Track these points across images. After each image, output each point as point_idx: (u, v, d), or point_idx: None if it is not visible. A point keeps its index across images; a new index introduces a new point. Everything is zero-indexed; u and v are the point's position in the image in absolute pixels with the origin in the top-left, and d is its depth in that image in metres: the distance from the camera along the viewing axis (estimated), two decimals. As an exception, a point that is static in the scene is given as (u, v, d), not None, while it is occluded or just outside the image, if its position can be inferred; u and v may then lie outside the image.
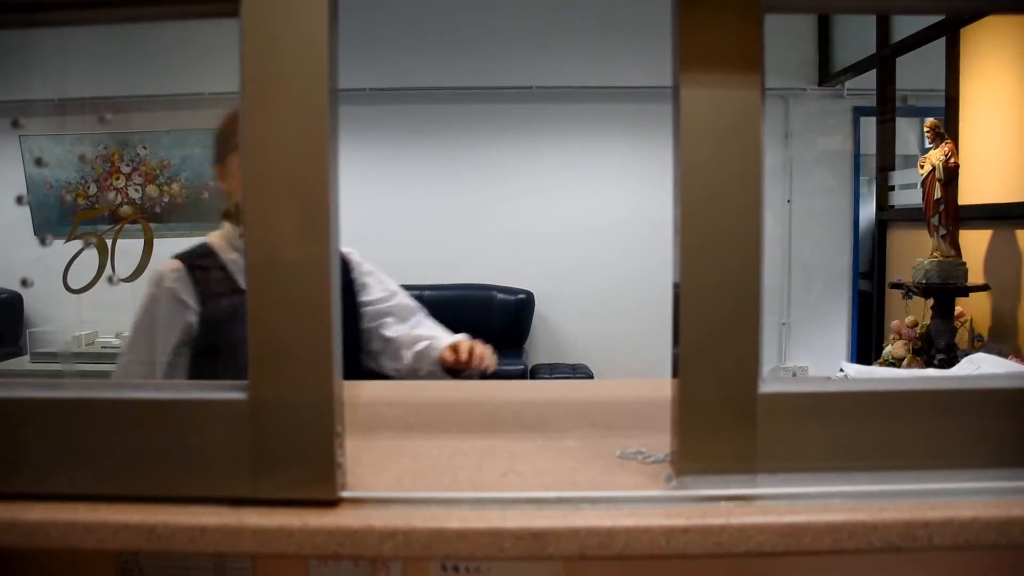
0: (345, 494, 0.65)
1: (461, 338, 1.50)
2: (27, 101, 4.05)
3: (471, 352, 1.44)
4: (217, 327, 1.36)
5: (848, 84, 4.65)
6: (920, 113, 4.35)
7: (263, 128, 0.62)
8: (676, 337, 0.66)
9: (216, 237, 1.47)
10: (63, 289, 0.95)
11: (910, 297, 2.79)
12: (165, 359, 1.36)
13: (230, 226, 1.47)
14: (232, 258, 1.43)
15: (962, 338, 2.77)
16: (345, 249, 1.56)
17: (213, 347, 1.36)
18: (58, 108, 4.49)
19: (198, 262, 1.41)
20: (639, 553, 0.61)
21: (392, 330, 1.55)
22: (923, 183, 2.73)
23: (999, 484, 0.65)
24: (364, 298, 1.56)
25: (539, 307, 4.70)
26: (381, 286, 1.58)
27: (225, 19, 0.63)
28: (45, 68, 3.90)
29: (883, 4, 0.99)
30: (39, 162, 4.68)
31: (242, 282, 1.37)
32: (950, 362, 2.48)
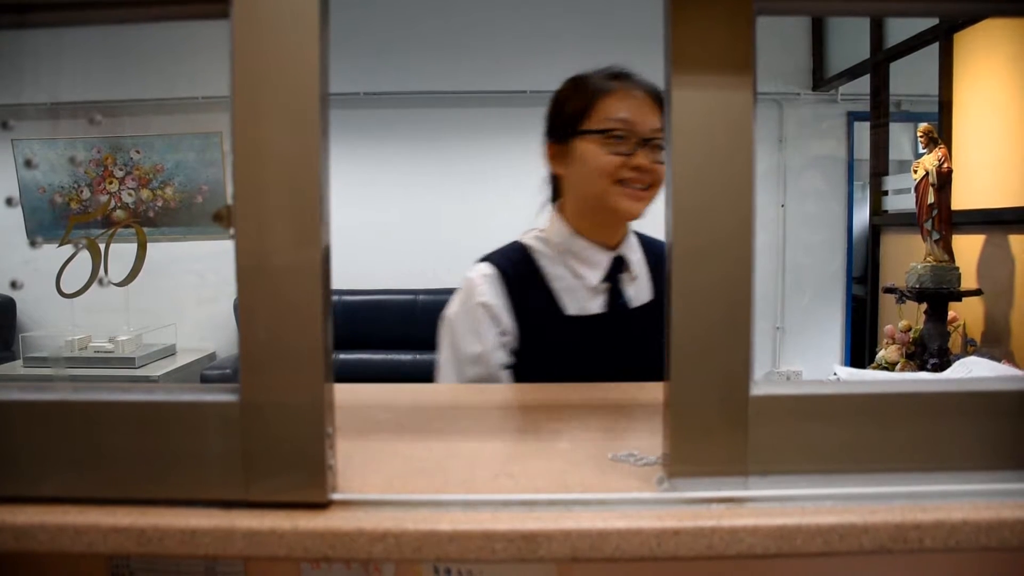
0: (336, 496, 0.65)
1: None
2: (19, 105, 4.04)
3: None
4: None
5: (842, 89, 4.68)
6: (914, 118, 4.38)
7: (254, 131, 0.62)
8: (668, 340, 0.66)
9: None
10: (56, 293, 0.95)
11: (903, 302, 2.80)
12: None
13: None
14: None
15: (955, 342, 2.78)
16: None
17: None
18: (51, 112, 4.49)
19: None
20: (630, 555, 0.61)
21: None
22: (916, 188, 2.74)
23: (990, 487, 0.65)
24: None
25: (534, 311, 4.69)
26: None
27: (216, 21, 0.63)
28: (37, 71, 3.89)
29: (875, 6, 0.99)
30: (28, 163, 4.66)
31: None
32: (943, 366, 2.49)
